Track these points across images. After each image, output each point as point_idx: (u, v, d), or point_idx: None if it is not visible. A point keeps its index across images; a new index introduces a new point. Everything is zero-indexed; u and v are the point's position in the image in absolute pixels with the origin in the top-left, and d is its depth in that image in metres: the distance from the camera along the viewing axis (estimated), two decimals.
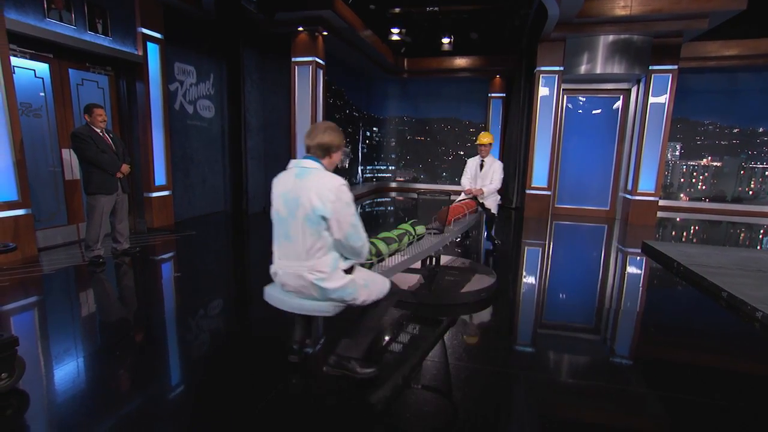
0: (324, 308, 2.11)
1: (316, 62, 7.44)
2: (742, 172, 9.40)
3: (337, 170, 2.21)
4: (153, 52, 5.71)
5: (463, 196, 5.12)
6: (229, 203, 7.70)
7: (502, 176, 5.18)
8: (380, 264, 2.65)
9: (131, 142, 5.73)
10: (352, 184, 10.94)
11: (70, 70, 4.96)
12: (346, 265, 2.09)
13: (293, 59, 7.43)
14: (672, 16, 6.67)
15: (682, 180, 9.73)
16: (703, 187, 9.63)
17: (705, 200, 9.63)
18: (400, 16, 8.97)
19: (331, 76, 8.77)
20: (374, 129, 12.41)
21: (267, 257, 2.32)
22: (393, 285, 2.27)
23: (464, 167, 5.39)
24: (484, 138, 5.19)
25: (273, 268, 2.20)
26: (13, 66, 4.23)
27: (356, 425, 1.93)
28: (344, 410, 2.04)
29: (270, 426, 1.91)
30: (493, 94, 11.39)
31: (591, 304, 3.76)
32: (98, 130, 4.21)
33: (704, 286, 4.13)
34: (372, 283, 2.16)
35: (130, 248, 4.64)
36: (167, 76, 6.05)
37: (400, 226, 3.15)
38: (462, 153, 12.19)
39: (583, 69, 7.53)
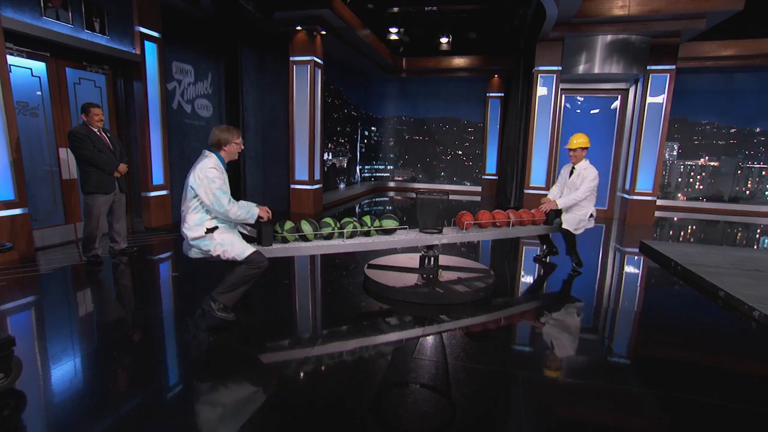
0: (191, 252, 2.84)
1: (315, 61, 7.43)
2: (739, 171, 9.44)
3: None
4: (151, 50, 5.68)
5: (543, 205, 4.45)
6: None
7: (592, 186, 4.34)
8: (300, 241, 3.27)
9: (129, 142, 5.71)
10: (351, 183, 10.95)
11: (67, 69, 4.94)
12: (210, 224, 2.76)
13: (291, 58, 7.43)
14: (670, 17, 6.69)
15: (679, 180, 9.76)
16: (701, 187, 9.67)
17: (702, 200, 9.67)
18: (398, 15, 8.98)
19: (329, 76, 8.76)
20: (372, 128, 12.41)
21: None
22: (256, 255, 2.78)
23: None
24: (573, 141, 4.43)
25: None
26: (10, 64, 4.21)
27: (356, 425, 1.92)
28: (344, 410, 2.04)
29: (270, 426, 1.91)
30: (491, 94, 11.40)
31: (589, 303, 3.76)
32: (95, 130, 4.20)
33: (702, 285, 4.14)
34: (230, 245, 2.76)
35: (127, 248, 4.63)
36: (165, 75, 6.02)
37: (361, 219, 3.59)
38: (460, 153, 12.21)
39: (581, 69, 7.54)
